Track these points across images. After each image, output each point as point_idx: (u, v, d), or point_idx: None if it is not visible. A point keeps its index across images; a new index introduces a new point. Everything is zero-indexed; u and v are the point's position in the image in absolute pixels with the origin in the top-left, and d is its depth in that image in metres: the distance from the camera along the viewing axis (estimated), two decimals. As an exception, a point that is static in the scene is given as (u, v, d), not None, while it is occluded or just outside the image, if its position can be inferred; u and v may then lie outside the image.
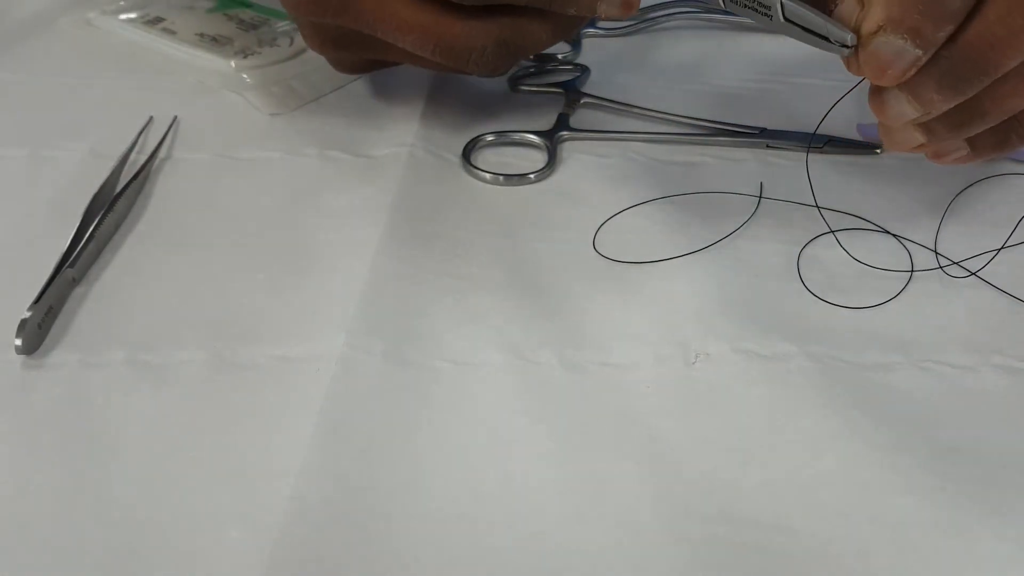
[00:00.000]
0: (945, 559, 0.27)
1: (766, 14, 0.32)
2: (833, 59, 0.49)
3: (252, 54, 0.49)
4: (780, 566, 0.27)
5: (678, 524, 0.28)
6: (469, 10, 0.35)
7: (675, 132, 0.44)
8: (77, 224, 0.38)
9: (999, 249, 0.36)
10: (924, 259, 0.37)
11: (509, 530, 0.28)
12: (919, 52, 0.29)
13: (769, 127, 0.43)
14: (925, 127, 0.33)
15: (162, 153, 0.43)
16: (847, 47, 0.31)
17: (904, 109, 0.32)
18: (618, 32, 0.52)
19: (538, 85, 0.47)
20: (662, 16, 0.52)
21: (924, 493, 0.29)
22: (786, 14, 0.32)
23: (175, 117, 0.45)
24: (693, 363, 0.33)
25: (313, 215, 0.40)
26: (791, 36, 0.32)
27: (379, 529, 0.28)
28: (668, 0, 0.53)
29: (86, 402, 0.32)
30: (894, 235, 0.38)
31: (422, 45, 0.36)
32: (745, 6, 0.33)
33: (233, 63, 0.49)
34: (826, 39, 0.31)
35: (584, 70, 0.47)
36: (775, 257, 0.37)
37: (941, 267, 0.36)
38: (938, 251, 0.37)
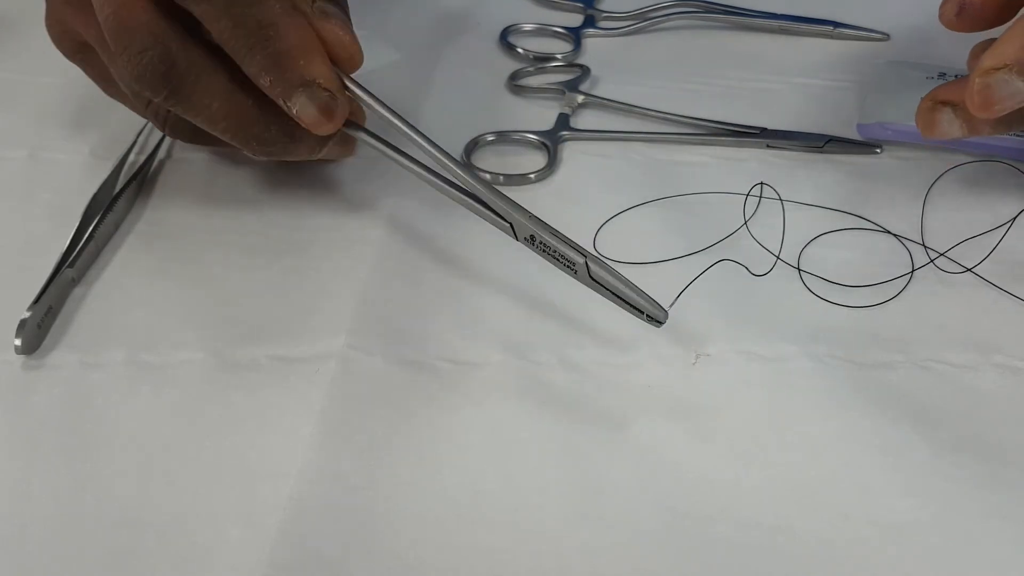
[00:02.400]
0: (945, 559, 0.27)
1: (570, 268, 0.32)
2: (833, 59, 0.49)
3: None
4: (780, 566, 0.27)
5: (678, 524, 0.28)
6: (165, 8, 0.32)
7: (675, 132, 0.44)
8: (76, 224, 0.38)
9: (995, 246, 0.37)
10: (924, 258, 0.37)
11: (509, 530, 0.28)
12: None
13: (769, 127, 0.43)
14: (970, 126, 0.34)
15: (161, 153, 0.43)
16: (658, 322, 0.31)
17: (955, 131, 0.34)
18: (618, 32, 0.52)
19: (538, 85, 0.47)
20: (662, 16, 0.52)
21: (924, 493, 0.29)
22: (592, 274, 0.31)
23: (175, 117, 0.45)
24: (693, 363, 0.33)
25: (313, 215, 0.40)
26: (600, 294, 0.31)
27: (379, 529, 0.28)
28: (668, 0, 0.53)
29: (86, 402, 0.32)
30: (894, 235, 0.38)
31: (100, 8, 0.33)
32: (548, 254, 0.32)
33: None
34: (634, 307, 0.31)
35: (584, 70, 0.47)
36: (775, 257, 0.37)
37: (937, 264, 0.36)
38: (938, 251, 0.37)
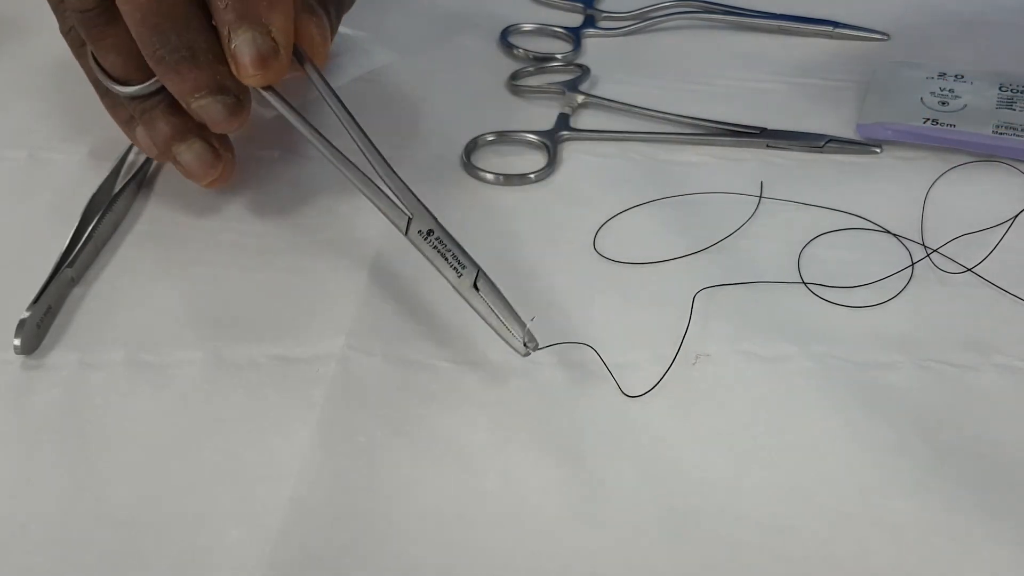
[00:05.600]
0: (945, 560, 0.27)
1: (456, 269, 0.32)
2: (833, 59, 0.49)
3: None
4: (780, 566, 0.27)
5: (678, 524, 0.28)
6: None
7: (675, 132, 0.44)
8: (76, 224, 0.38)
9: (995, 245, 0.37)
10: (924, 258, 0.37)
11: (509, 530, 0.28)
12: None
13: (769, 127, 0.43)
14: None
15: (161, 153, 0.43)
16: (525, 351, 0.31)
17: None
18: (618, 32, 0.52)
19: (538, 85, 0.47)
20: (662, 16, 0.52)
21: (924, 494, 0.29)
22: (478, 284, 0.31)
23: (174, 117, 0.45)
24: (693, 363, 0.33)
25: (313, 215, 0.40)
26: (475, 309, 0.31)
27: (379, 529, 0.28)
28: (668, 0, 0.53)
29: (85, 402, 0.32)
30: (894, 235, 0.38)
31: None
32: (438, 251, 0.32)
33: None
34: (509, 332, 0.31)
35: (584, 70, 0.47)
36: (775, 257, 0.37)
37: (936, 264, 0.36)
38: (938, 250, 0.37)
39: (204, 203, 0.41)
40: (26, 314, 0.33)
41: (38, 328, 0.34)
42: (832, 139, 0.43)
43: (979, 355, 0.33)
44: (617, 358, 0.33)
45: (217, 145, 0.37)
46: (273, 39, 0.32)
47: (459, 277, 0.32)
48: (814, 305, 0.35)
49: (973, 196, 0.40)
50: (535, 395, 0.32)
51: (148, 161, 0.42)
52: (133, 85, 0.36)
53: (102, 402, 0.32)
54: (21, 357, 0.33)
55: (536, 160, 0.43)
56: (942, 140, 0.42)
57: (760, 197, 0.40)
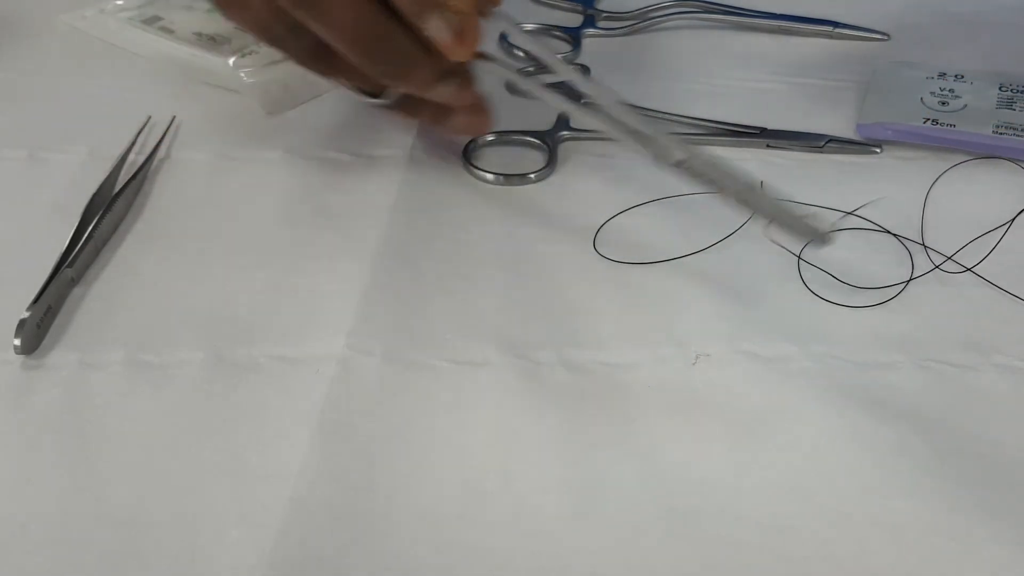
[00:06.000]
0: (945, 560, 0.27)
1: (726, 187, 0.33)
2: (833, 59, 0.49)
3: (250, 53, 0.49)
4: (780, 566, 0.27)
5: (678, 524, 0.28)
6: None
7: (675, 132, 0.44)
8: (76, 224, 0.38)
9: (995, 245, 0.37)
10: (924, 258, 0.37)
11: (509, 530, 0.28)
12: None
13: (769, 127, 0.43)
14: None
15: (160, 153, 0.43)
16: (821, 243, 0.31)
17: None
18: (618, 32, 0.52)
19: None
20: (662, 16, 0.52)
21: (924, 494, 0.29)
22: (747, 194, 0.32)
23: (173, 117, 0.45)
24: (693, 363, 0.33)
25: (313, 215, 0.40)
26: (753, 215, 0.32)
27: (379, 529, 0.28)
28: (668, 0, 0.53)
29: (85, 402, 0.32)
30: (894, 235, 0.38)
31: None
32: (695, 176, 0.33)
33: (231, 62, 0.48)
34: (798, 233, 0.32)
35: (584, 70, 0.47)
36: (775, 257, 0.37)
37: (936, 263, 0.36)
38: (938, 250, 0.37)
39: (204, 203, 0.41)
40: (26, 314, 0.33)
41: (38, 328, 0.34)
42: (832, 139, 0.43)
43: (979, 355, 0.33)
44: (617, 358, 0.33)
45: (477, 102, 0.39)
46: (455, 12, 0.33)
47: (728, 192, 0.32)
48: (814, 305, 0.35)
49: (973, 196, 0.40)
50: (535, 395, 0.32)
51: (148, 161, 0.42)
52: (380, 97, 0.38)
53: (102, 402, 0.32)
54: (21, 357, 0.33)
55: (536, 160, 0.43)
56: (942, 140, 0.42)
57: (760, 197, 0.40)
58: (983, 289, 0.35)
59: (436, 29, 0.33)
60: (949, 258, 0.36)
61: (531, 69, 0.48)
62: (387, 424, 0.31)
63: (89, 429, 0.31)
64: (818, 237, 0.30)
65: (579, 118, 0.36)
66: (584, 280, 0.36)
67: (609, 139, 0.43)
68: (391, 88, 0.38)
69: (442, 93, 0.37)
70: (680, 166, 0.33)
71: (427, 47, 0.33)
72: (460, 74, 0.37)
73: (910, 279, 0.36)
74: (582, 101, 0.36)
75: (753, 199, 0.32)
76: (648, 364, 0.33)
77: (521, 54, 0.49)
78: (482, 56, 0.36)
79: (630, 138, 0.34)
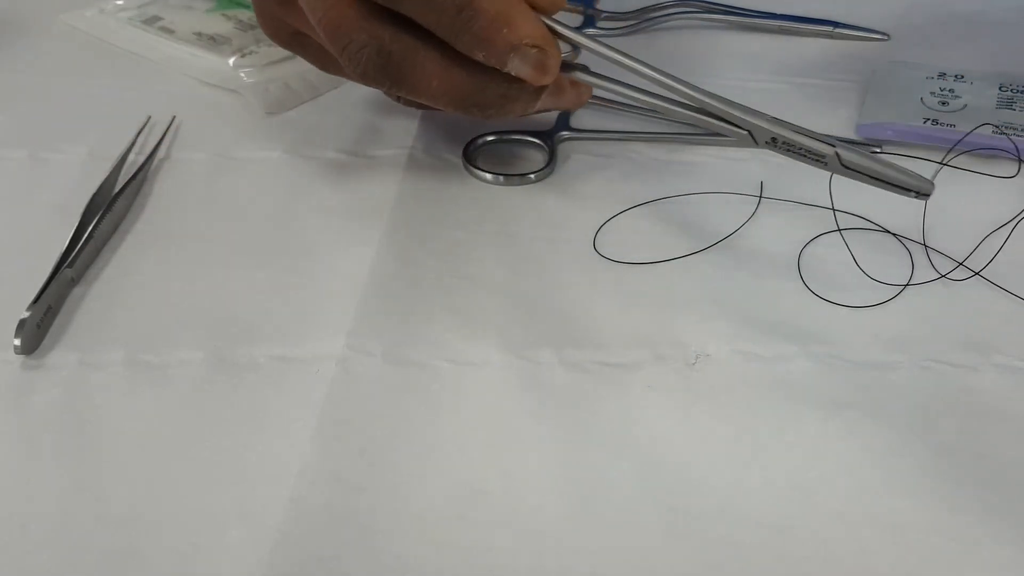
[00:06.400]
0: (945, 560, 0.27)
1: (820, 161, 0.33)
2: (833, 59, 0.49)
3: (250, 53, 0.49)
4: (780, 566, 0.27)
5: (678, 524, 0.28)
6: (372, 5, 0.34)
7: (675, 132, 0.44)
8: (76, 224, 0.38)
9: (999, 248, 0.36)
10: (924, 258, 0.37)
11: (509, 530, 0.28)
12: None
13: (769, 127, 0.43)
14: None
15: (161, 153, 0.43)
16: (926, 195, 0.31)
17: None
18: (618, 32, 0.52)
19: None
20: (662, 16, 0.52)
21: (924, 494, 0.29)
22: (843, 162, 0.32)
23: (173, 117, 0.45)
24: (693, 363, 0.33)
25: (313, 215, 0.40)
26: (853, 179, 0.32)
27: (379, 529, 0.28)
28: (668, 0, 0.53)
29: (85, 402, 0.32)
30: (894, 235, 0.38)
31: (311, 11, 0.35)
32: (793, 152, 0.33)
33: (231, 62, 0.49)
34: (897, 186, 0.32)
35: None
36: (775, 257, 0.37)
37: (935, 263, 0.36)
38: (938, 250, 0.37)
39: (204, 203, 0.41)
40: (26, 314, 0.33)
41: (38, 328, 0.34)
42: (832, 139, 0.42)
43: (979, 355, 0.33)
44: (617, 358, 0.33)
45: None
46: (532, 46, 0.34)
47: (827, 166, 0.32)
48: (814, 305, 0.35)
49: (973, 196, 0.40)
50: (535, 395, 0.32)
51: (148, 161, 0.42)
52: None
53: (102, 402, 0.32)
54: (21, 357, 0.33)
55: (536, 160, 0.43)
56: (942, 140, 0.42)
57: (760, 197, 0.40)
58: (983, 289, 0.35)
59: (519, 69, 0.34)
60: (961, 263, 0.36)
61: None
62: (387, 424, 0.31)
63: (89, 429, 0.31)
64: (922, 188, 0.31)
65: (660, 107, 0.37)
66: (584, 280, 0.36)
67: (609, 139, 0.43)
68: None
69: (546, 104, 0.38)
70: (775, 144, 0.34)
71: (517, 80, 0.35)
72: (539, 95, 0.38)
73: (910, 279, 0.36)
74: (659, 94, 0.36)
75: (853, 161, 0.32)
76: (648, 364, 0.33)
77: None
78: (566, 67, 0.37)
79: (717, 123, 0.35)
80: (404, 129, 0.44)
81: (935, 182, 0.31)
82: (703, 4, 0.52)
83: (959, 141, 0.41)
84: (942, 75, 0.46)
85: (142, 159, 0.42)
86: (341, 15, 0.34)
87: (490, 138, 0.43)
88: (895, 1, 0.53)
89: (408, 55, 0.34)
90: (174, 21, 0.52)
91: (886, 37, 0.50)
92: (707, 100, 0.35)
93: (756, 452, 0.30)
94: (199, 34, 0.51)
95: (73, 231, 0.37)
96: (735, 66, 0.48)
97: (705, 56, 0.49)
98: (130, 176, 0.41)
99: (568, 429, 0.31)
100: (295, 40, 0.39)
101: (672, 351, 0.33)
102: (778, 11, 0.52)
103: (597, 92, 0.39)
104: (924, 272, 0.36)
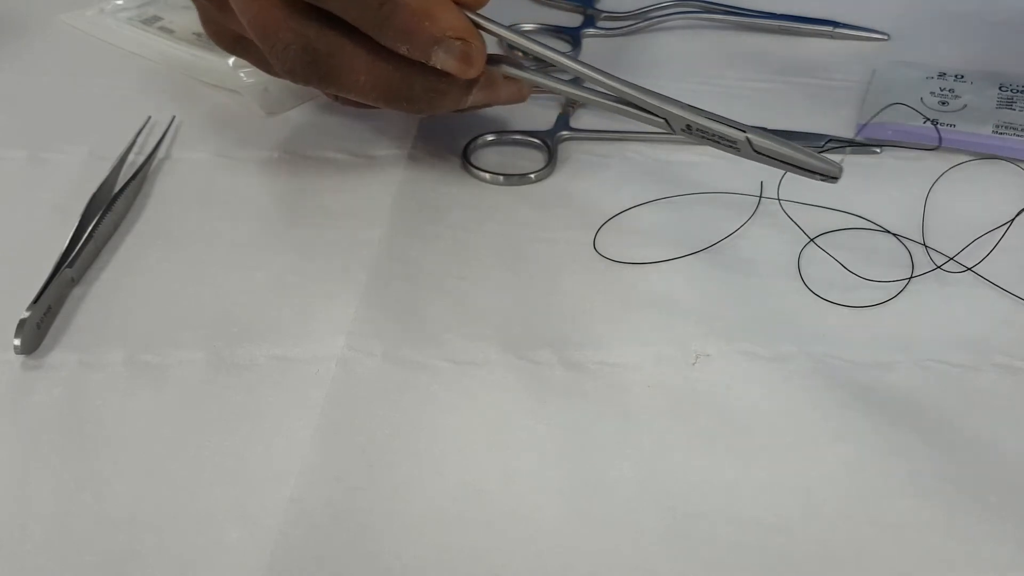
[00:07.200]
0: (945, 560, 0.27)
1: (732, 146, 0.33)
2: (833, 59, 0.49)
3: (251, 54, 0.49)
4: (780, 566, 0.27)
5: (678, 524, 0.28)
6: (298, 4, 0.35)
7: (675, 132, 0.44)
8: (76, 224, 0.38)
9: (995, 245, 0.37)
10: (924, 258, 0.37)
11: (509, 530, 0.28)
12: None
13: (769, 127, 0.43)
14: None
15: (160, 153, 0.43)
16: (833, 179, 0.31)
17: None
18: (618, 32, 0.52)
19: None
20: (662, 16, 0.52)
21: (924, 494, 0.29)
22: (755, 147, 0.32)
23: (173, 117, 0.45)
24: (693, 363, 0.33)
25: (313, 215, 0.40)
26: (765, 164, 0.33)
27: (379, 529, 0.28)
28: (668, 0, 0.53)
29: (85, 402, 0.32)
30: (894, 235, 0.38)
31: (242, 14, 0.35)
32: (707, 139, 0.34)
33: (231, 62, 0.48)
34: (808, 171, 0.32)
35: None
36: (775, 257, 0.37)
37: (939, 266, 0.36)
38: (938, 250, 0.37)
39: (204, 203, 0.41)
40: (26, 314, 0.33)
41: (38, 328, 0.34)
42: (832, 139, 0.43)
43: (979, 355, 0.33)
44: (617, 358, 0.33)
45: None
46: (455, 38, 0.34)
47: (740, 152, 0.33)
48: (814, 305, 0.35)
49: (973, 196, 0.40)
50: (535, 395, 0.32)
51: (148, 161, 0.42)
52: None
53: (102, 402, 0.32)
54: (21, 357, 0.33)
55: (536, 160, 0.43)
56: (942, 140, 0.42)
57: (760, 197, 0.40)
58: (983, 289, 0.35)
59: (443, 62, 0.35)
60: (951, 259, 0.36)
61: (532, 68, 0.48)
62: (387, 424, 0.31)
63: (89, 429, 0.31)
64: (830, 171, 0.31)
65: (584, 99, 0.37)
66: (584, 280, 0.36)
67: (609, 139, 0.43)
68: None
69: (478, 99, 0.38)
70: (690, 130, 0.34)
71: (445, 74, 0.35)
72: (469, 86, 0.38)
73: (910, 279, 0.36)
74: (584, 85, 0.37)
75: (763, 146, 0.32)
76: (648, 364, 0.33)
77: (520, 53, 0.49)
78: (494, 60, 0.37)
79: (636, 112, 0.36)
80: (404, 129, 0.44)
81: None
82: (703, 4, 0.52)
83: (959, 141, 0.41)
84: (942, 75, 0.46)
85: (142, 159, 0.42)
86: (268, 15, 0.35)
87: (490, 138, 0.43)
88: (895, 1, 0.53)
89: (335, 52, 0.35)
90: (174, 21, 0.52)
91: (886, 37, 0.50)
92: (624, 89, 0.35)
93: (756, 452, 0.30)
94: (199, 34, 0.51)
95: (73, 231, 0.37)
96: (735, 66, 0.48)
97: (705, 56, 0.49)
98: (130, 176, 0.41)
99: (568, 429, 0.31)
100: (238, 44, 0.40)
101: (672, 351, 0.33)
102: (778, 11, 0.52)
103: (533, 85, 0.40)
104: (924, 272, 0.36)
